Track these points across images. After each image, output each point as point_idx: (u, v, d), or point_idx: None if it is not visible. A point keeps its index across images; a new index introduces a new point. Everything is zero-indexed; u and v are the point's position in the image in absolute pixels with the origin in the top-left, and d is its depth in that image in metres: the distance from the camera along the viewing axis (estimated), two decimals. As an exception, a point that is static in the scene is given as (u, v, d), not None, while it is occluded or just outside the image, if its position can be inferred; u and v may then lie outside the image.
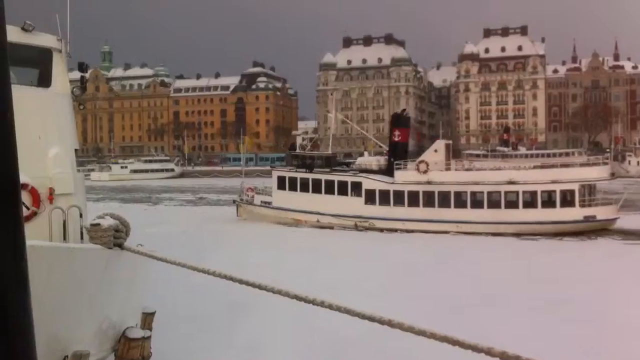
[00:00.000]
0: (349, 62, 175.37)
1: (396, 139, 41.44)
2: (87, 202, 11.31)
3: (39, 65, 10.78)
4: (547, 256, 28.46)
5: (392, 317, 3.62)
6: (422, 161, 38.63)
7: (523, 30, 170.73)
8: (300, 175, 41.59)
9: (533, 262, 26.66)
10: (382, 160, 42.08)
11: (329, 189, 40.16)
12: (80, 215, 9.58)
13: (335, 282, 19.96)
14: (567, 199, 35.50)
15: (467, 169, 40.96)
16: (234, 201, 47.58)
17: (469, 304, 17.71)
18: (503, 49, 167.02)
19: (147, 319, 10.13)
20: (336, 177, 40.36)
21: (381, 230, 37.50)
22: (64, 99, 10.67)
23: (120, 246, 7.12)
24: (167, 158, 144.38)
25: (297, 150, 45.41)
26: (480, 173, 38.83)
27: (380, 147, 50.91)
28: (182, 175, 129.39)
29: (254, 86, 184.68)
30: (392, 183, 38.38)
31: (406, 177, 38.14)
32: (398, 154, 40.49)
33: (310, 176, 40.99)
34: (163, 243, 23.16)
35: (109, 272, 7.54)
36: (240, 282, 4.57)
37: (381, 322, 3.60)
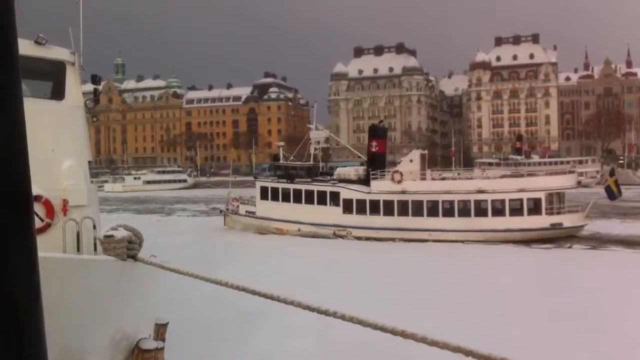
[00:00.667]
0: (360, 71, 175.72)
1: (374, 149, 42.76)
2: (101, 213, 11.36)
3: (53, 78, 10.87)
4: (555, 264, 28.33)
5: (405, 327, 3.61)
6: (396, 171, 39.94)
7: (535, 38, 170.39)
8: (282, 185, 42.87)
9: (539, 270, 26.54)
10: (360, 171, 43.04)
11: (309, 198, 41.38)
12: (94, 227, 9.64)
13: (345, 291, 19.92)
14: (534, 207, 36.75)
15: (442, 179, 42.20)
16: (221, 211, 49.20)
17: (479, 313, 17.60)
18: (515, 57, 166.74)
19: (160, 329, 10.13)
20: (316, 187, 41.56)
21: (349, 237, 38.74)
22: (77, 112, 10.74)
23: (134, 257, 7.13)
24: (180, 169, 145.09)
25: (280, 161, 47.00)
26: (451, 182, 40.26)
27: (359, 157, 52.93)
28: (194, 185, 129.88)
29: (265, 97, 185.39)
30: (369, 193, 39.53)
31: (381, 187, 39.26)
32: (376, 164, 41.61)
33: (292, 186, 42.29)
34: (176, 253, 23.21)
35: (122, 283, 7.56)
36: (253, 292, 4.57)
37: (394, 332, 3.58)
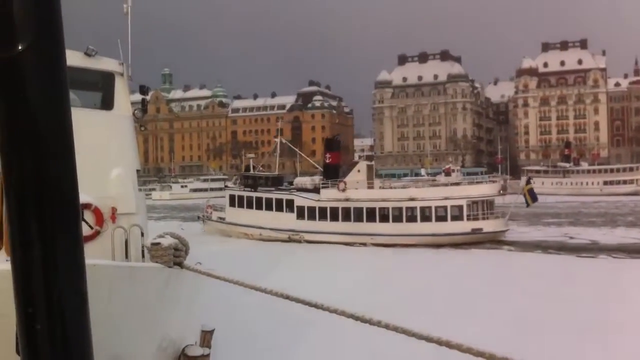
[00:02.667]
0: (405, 79, 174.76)
1: (327, 161, 47.64)
2: (149, 221, 11.52)
3: (102, 89, 11.09)
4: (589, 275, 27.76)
5: (451, 338, 3.55)
6: (341, 181, 43.89)
7: (582, 44, 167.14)
8: (246, 193, 47.31)
9: (575, 281, 25.96)
10: (317, 180, 47.14)
11: (269, 205, 45.30)
12: (142, 234, 9.77)
13: (387, 300, 19.80)
14: (457, 214, 40.05)
15: (391, 187, 45.79)
16: (198, 217, 54.91)
17: (519, 324, 17.28)
18: (562, 63, 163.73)
19: (206, 336, 10.21)
20: (274, 196, 45.71)
21: (303, 241, 41.68)
22: (125, 121, 10.93)
23: (180, 265, 7.21)
24: (226, 177, 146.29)
25: (250, 172, 52.46)
26: (387, 191, 43.94)
27: (316, 168, 58.15)
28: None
29: (309, 105, 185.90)
30: (318, 200, 43.24)
31: (329, 195, 43.15)
32: (330, 174, 46.03)
33: (254, 194, 46.50)
34: (221, 261, 23.42)
35: (169, 290, 7.65)
36: (297, 300, 4.57)
37: (439, 342, 3.54)
